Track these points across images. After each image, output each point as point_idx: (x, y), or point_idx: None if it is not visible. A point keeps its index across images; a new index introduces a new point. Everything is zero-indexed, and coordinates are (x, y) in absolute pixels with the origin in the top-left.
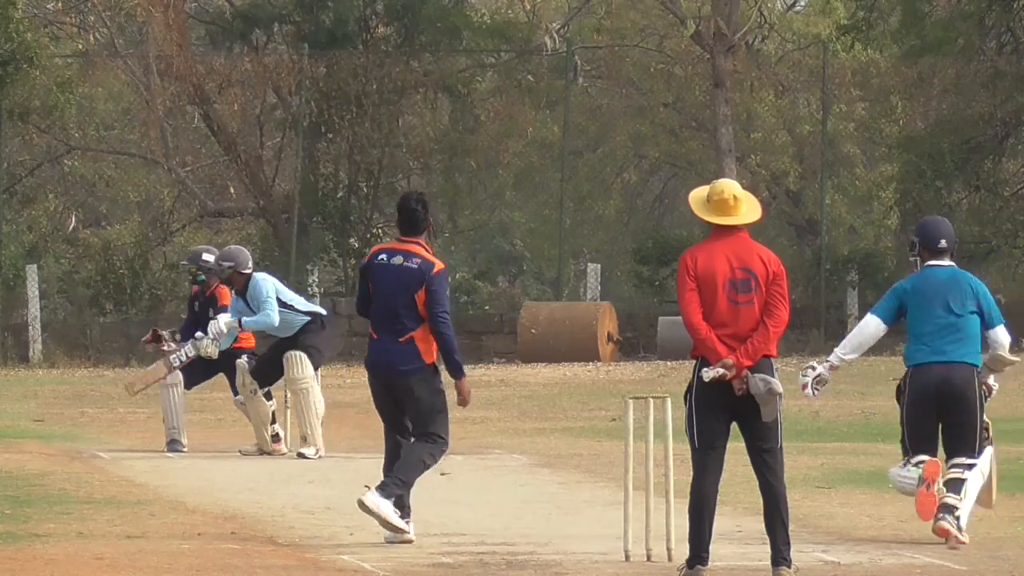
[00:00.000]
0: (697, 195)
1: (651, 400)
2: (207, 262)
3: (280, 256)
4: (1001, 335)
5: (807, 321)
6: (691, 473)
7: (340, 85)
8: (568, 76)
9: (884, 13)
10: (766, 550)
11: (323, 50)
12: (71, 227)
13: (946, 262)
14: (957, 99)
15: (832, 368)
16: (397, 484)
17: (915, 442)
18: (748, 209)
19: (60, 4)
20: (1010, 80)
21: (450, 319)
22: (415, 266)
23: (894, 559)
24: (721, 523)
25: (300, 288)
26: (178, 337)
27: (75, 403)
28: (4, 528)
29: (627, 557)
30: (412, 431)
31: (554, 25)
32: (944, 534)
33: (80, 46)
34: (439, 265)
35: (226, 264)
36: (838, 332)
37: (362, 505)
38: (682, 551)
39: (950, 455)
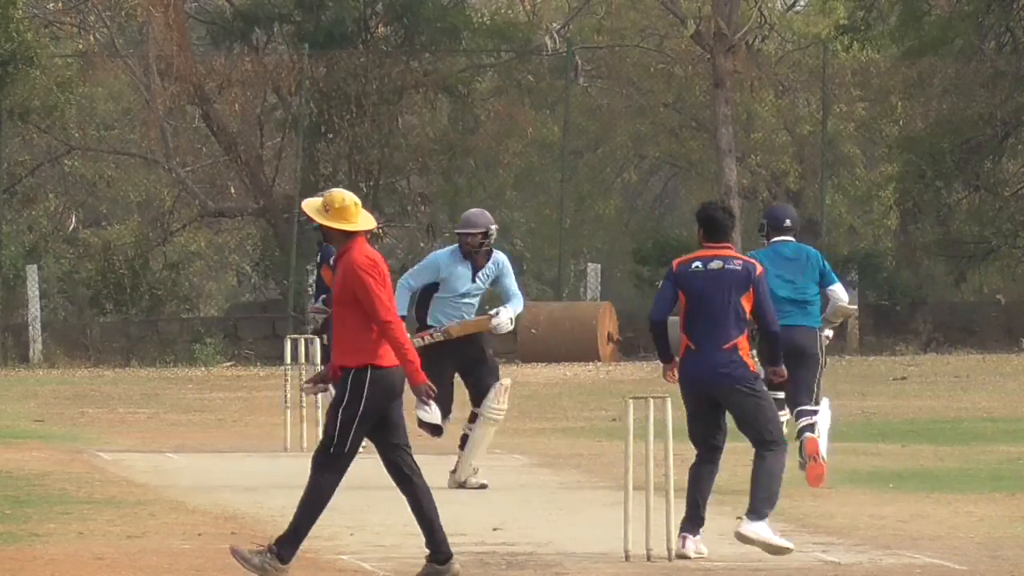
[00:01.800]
0: (311, 203)
1: (651, 400)
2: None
3: (280, 256)
4: (839, 291)
5: None
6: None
7: (340, 85)
8: (568, 76)
9: (883, 13)
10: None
11: (323, 50)
12: (71, 227)
13: (790, 239)
14: (957, 99)
15: None
16: (765, 503)
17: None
18: (365, 218)
19: (60, 4)
20: (1009, 80)
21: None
22: (739, 268)
23: (894, 559)
24: (721, 523)
25: (300, 288)
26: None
27: (75, 403)
28: (4, 528)
29: (627, 557)
30: (751, 440)
31: (554, 25)
32: (813, 445)
33: (80, 46)
34: (760, 267)
35: (494, 228)
36: (838, 332)
37: (742, 537)
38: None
39: (793, 405)
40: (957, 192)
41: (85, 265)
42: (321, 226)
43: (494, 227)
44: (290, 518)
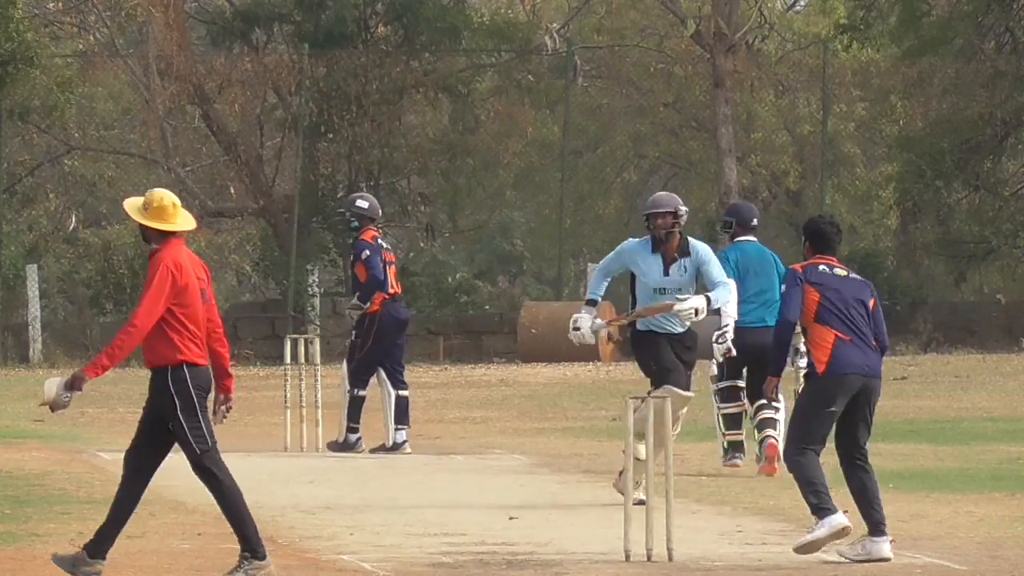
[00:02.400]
0: (132, 202)
1: (651, 400)
2: None
3: (280, 256)
4: None
5: None
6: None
7: (340, 85)
8: (568, 76)
9: (883, 13)
10: (766, 550)
11: (323, 50)
12: (71, 227)
13: (754, 239)
14: (957, 99)
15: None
16: (880, 509)
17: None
18: (184, 218)
19: (60, 4)
20: (1009, 80)
21: None
22: (859, 278)
23: (894, 559)
24: (721, 523)
25: (300, 288)
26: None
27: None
28: (4, 528)
29: (627, 557)
30: (849, 445)
31: (554, 25)
32: (773, 450)
33: (80, 46)
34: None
35: (683, 209)
36: None
37: (884, 559)
38: (682, 551)
39: (753, 399)
40: (957, 192)
41: (85, 265)
42: (140, 225)
43: (684, 209)
44: (290, 518)
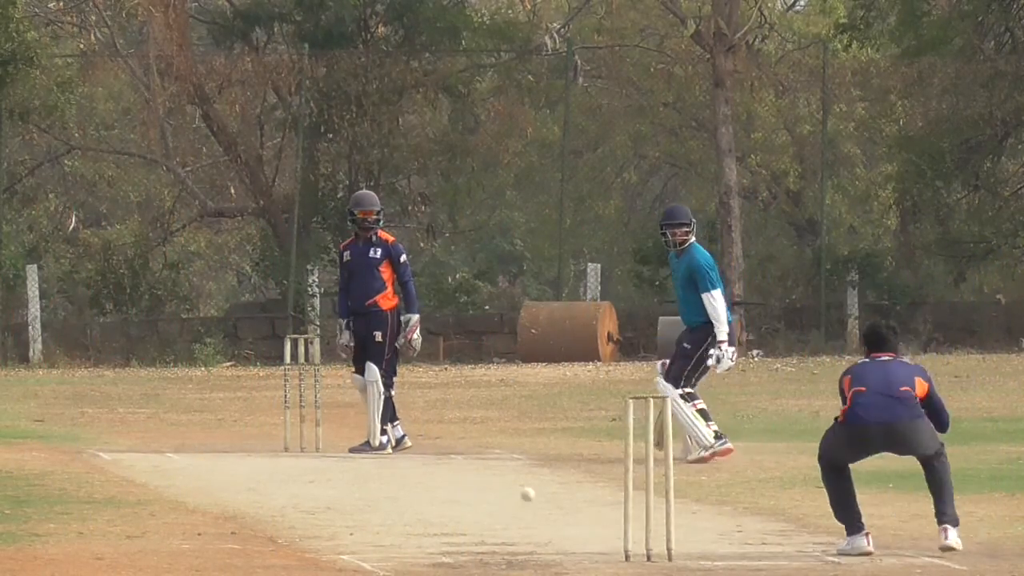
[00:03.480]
0: None
1: (651, 400)
2: None
3: (280, 256)
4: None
5: (807, 321)
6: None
7: (340, 85)
8: (568, 76)
9: (883, 12)
10: (766, 550)
11: (323, 50)
12: (71, 227)
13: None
14: (956, 99)
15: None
16: (949, 503)
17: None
18: None
19: (60, 4)
20: (1009, 80)
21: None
22: (910, 364)
23: (894, 559)
24: (721, 523)
25: (300, 288)
26: None
27: (75, 403)
28: (4, 528)
29: (627, 557)
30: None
31: (554, 25)
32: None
33: (80, 46)
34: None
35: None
36: (838, 332)
37: (948, 549)
38: (682, 551)
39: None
40: (956, 192)
41: (85, 265)
42: None
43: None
44: (290, 518)
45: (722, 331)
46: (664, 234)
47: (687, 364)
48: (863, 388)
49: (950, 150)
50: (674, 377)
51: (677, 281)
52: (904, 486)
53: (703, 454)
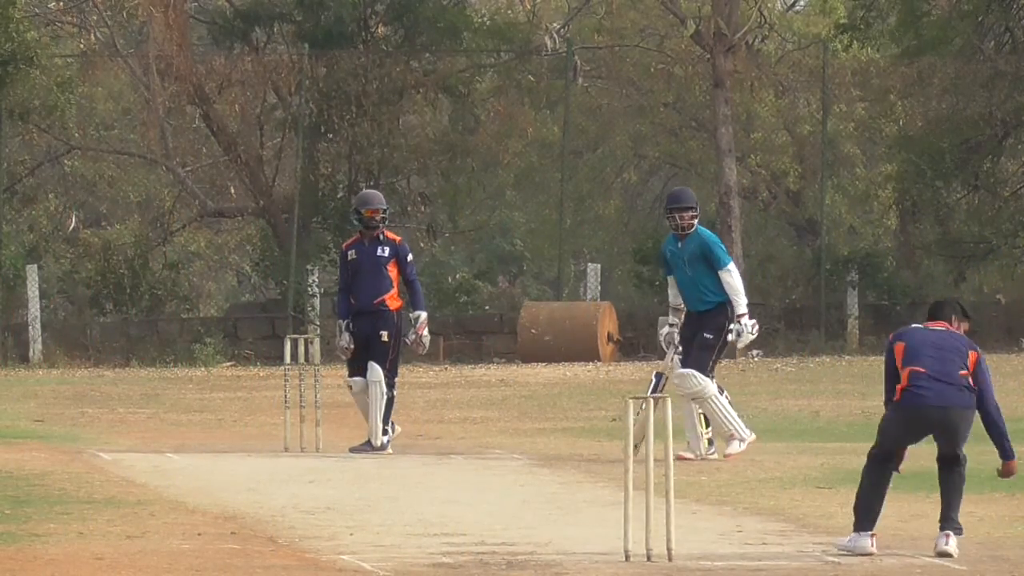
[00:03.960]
0: None
1: (651, 400)
2: None
3: (280, 256)
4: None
5: (807, 321)
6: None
7: (340, 85)
8: (568, 76)
9: (883, 12)
10: (766, 550)
11: (323, 50)
12: (71, 227)
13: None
14: (956, 99)
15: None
16: (957, 511)
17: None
18: None
19: (60, 3)
20: (1009, 80)
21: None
22: (960, 340)
23: (894, 559)
24: (721, 523)
25: (300, 288)
26: None
27: (75, 403)
28: (4, 528)
29: (627, 557)
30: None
31: (554, 25)
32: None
33: (80, 46)
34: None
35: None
36: (838, 332)
37: (945, 555)
38: (682, 551)
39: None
40: (956, 192)
41: (85, 265)
42: None
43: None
44: (290, 518)
45: (741, 304)
46: (673, 218)
47: (710, 355)
48: (922, 369)
49: (950, 150)
50: (699, 370)
51: (683, 265)
52: (904, 486)
53: (741, 447)
